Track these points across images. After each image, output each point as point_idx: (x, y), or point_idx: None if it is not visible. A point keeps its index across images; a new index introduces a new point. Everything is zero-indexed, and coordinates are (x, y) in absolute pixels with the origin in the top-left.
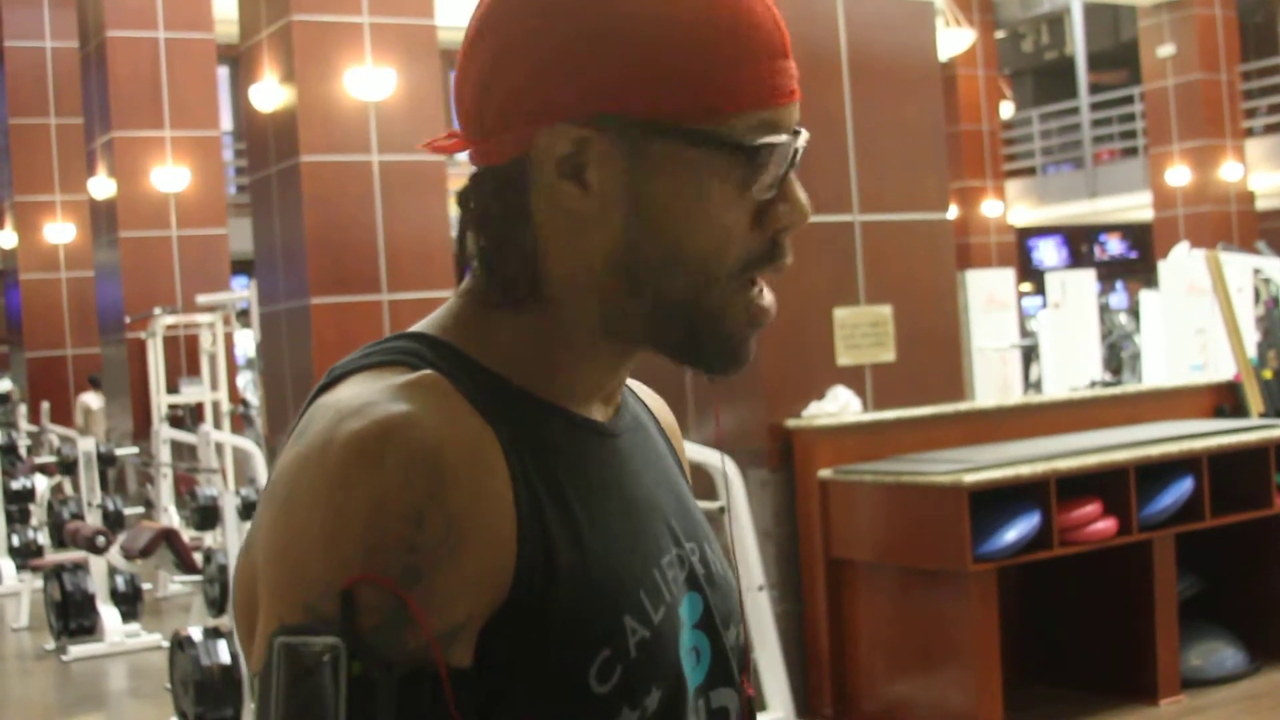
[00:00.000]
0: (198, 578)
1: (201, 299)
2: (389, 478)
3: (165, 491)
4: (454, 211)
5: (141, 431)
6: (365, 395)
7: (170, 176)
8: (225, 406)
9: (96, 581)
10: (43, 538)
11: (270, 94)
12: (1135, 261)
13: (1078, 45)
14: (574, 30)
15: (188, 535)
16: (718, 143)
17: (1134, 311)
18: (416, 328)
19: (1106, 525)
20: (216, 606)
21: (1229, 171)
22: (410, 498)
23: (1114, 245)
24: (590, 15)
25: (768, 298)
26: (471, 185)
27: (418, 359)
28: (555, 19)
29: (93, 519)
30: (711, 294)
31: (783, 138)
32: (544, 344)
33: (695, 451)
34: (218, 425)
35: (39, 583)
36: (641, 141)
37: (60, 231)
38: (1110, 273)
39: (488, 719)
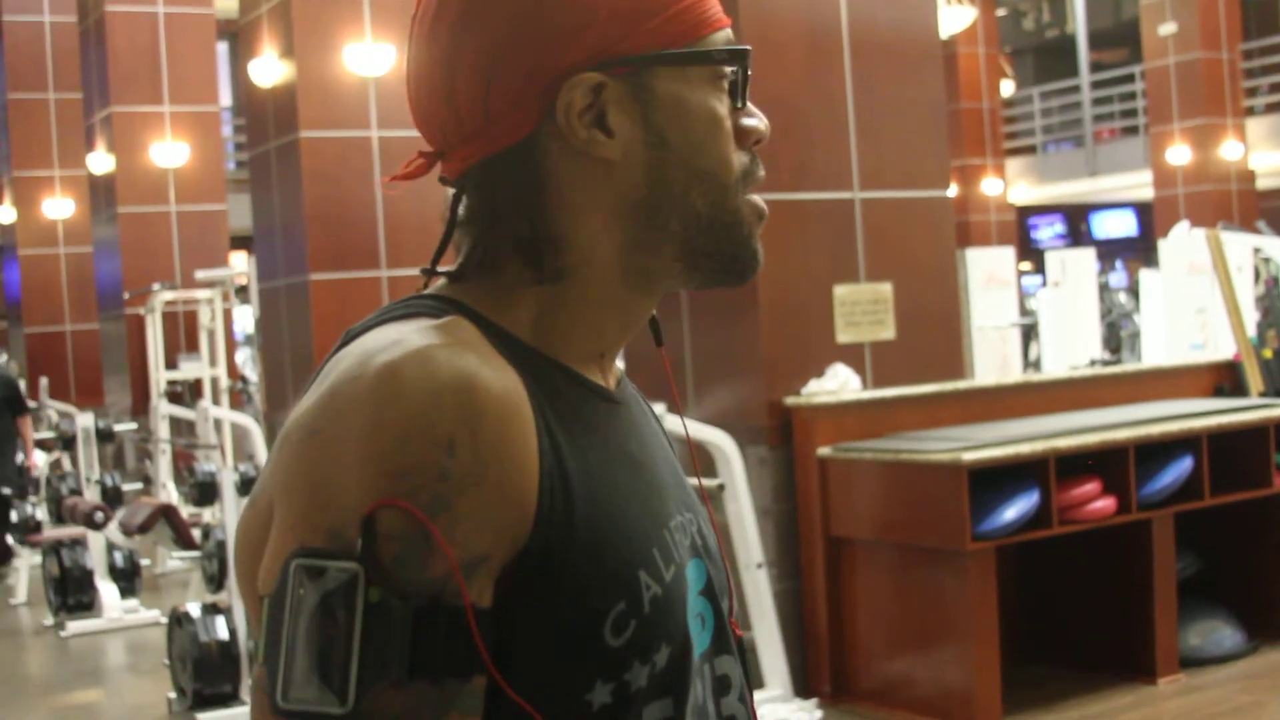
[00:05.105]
0: (196, 554)
1: (200, 275)
2: (422, 403)
3: (164, 467)
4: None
5: (140, 407)
6: (395, 335)
7: (169, 152)
8: (224, 383)
9: (95, 557)
10: (41, 513)
11: (269, 69)
12: (1134, 240)
13: (1079, 23)
14: None
15: (186, 511)
16: (716, 58)
17: (1134, 290)
18: (427, 292)
19: (1106, 504)
20: (215, 582)
21: (1229, 150)
22: (443, 423)
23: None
24: None
25: (760, 199)
26: (481, 173)
27: (439, 311)
28: None
29: (91, 495)
30: (728, 201)
31: (749, 47)
32: (558, 310)
33: (694, 429)
34: (216, 401)
35: (37, 558)
36: (644, 76)
37: (59, 207)
38: (1110, 251)
39: (501, 669)
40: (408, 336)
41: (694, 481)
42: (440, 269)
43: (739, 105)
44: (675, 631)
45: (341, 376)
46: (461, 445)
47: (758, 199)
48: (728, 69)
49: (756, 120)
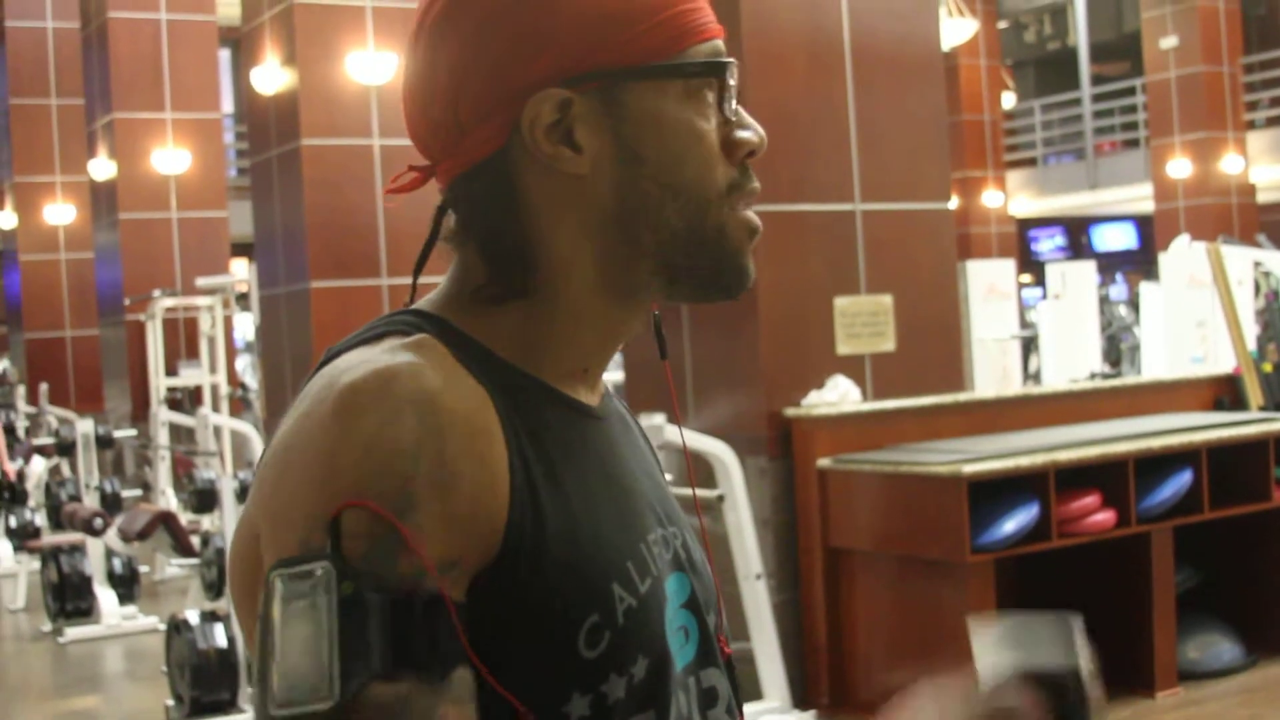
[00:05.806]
0: (195, 561)
1: (201, 281)
2: (385, 416)
3: (163, 474)
4: None
5: (140, 414)
6: (363, 356)
7: (171, 158)
8: (224, 390)
9: (93, 564)
10: (40, 519)
11: (271, 77)
12: (1135, 253)
13: (1080, 36)
14: (533, 4)
15: (185, 518)
16: (688, 71)
17: (1134, 303)
18: (412, 306)
19: (1105, 517)
20: (213, 590)
21: (1230, 164)
22: (406, 434)
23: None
24: None
25: (754, 214)
26: (459, 187)
27: (413, 328)
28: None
29: (90, 501)
30: (709, 216)
31: (732, 59)
32: (539, 325)
33: (694, 440)
34: (216, 408)
35: (36, 564)
36: (616, 91)
37: (60, 212)
38: (1110, 264)
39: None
40: (374, 357)
41: (689, 492)
42: (434, 279)
43: (728, 118)
44: (652, 643)
45: (313, 399)
46: (427, 454)
47: (751, 215)
48: (714, 80)
49: (750, 133)
